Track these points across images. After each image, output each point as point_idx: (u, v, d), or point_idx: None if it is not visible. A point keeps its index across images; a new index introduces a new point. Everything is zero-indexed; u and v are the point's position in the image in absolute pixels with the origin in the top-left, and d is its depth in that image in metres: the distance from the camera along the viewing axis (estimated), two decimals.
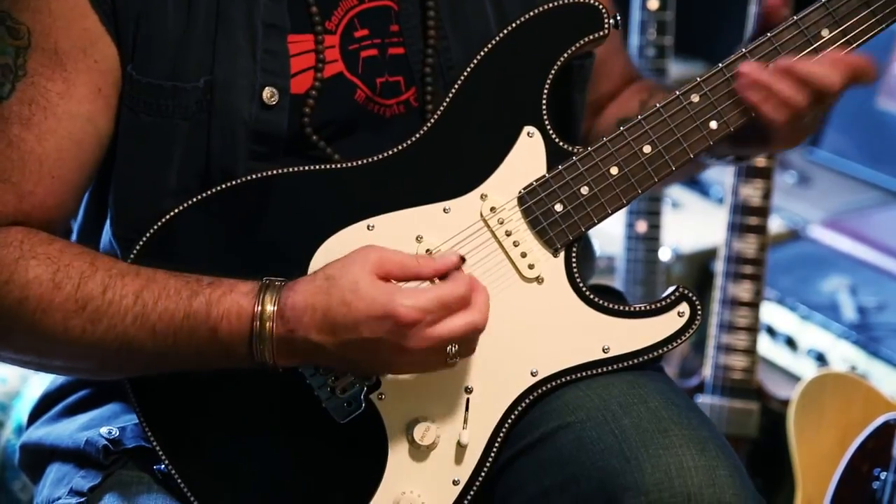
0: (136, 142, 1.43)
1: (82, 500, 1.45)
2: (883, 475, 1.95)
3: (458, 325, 1.31)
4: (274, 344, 1.32)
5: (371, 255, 1.33)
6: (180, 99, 1.41)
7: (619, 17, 1.47)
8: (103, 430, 1.47)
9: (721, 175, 2.77)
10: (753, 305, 2.34)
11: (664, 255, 2.72)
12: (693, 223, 3.03)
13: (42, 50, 1.38)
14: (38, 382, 1.93)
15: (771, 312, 2.74)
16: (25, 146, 1.38)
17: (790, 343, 2.72)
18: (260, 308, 1.32)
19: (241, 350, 1.33)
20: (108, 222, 1.49)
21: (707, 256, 2.86)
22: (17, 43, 1.38)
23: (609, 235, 2.77)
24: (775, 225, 2.96)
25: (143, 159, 1.43)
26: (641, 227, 2.61)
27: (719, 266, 2.37)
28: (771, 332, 2.75)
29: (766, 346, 2.72)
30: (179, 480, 1.40)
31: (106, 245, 1.49)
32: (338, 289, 1.31)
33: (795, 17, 1.45)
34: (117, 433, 1.47)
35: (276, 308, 1.32)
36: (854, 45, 1.46)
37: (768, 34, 1.45)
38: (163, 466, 1.41)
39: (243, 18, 1.42)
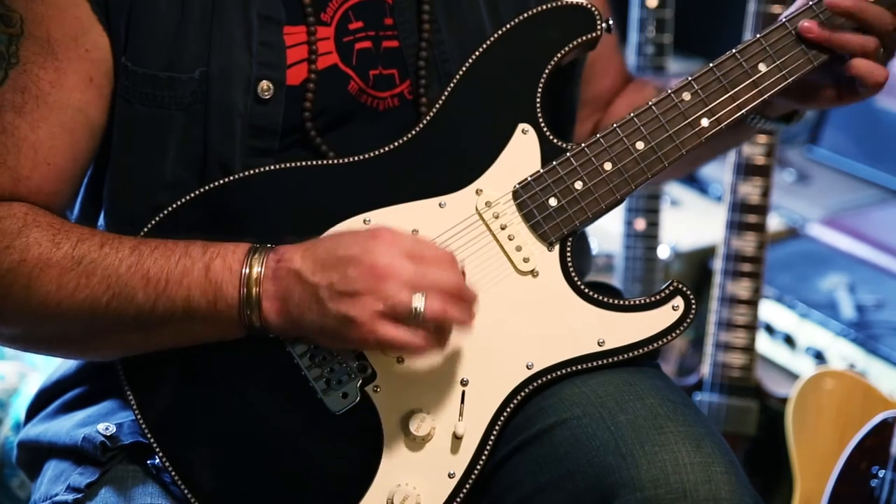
0: (132, 132, 1.43)
1: (79, 496, 1.45)
2: (881, 473, 1.95)
3: (429, 267, 1.31)
4: (262, 274, 1.33)
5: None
6: (176, 90, 1.42)
7: (611, 21, 1.49)
8: (100, 427, 1.47)
9: (720, 173, 2.77)
10: (752, 303, 2.34)
11: (663, 252, 2.73)
12: (692, 221, 3.04)
13: (34, 38, 1.39)
14: (37, 379, 1.93)
15: (770, 310, 2.74)
16: (20, 133, 1.39)
17: (789, 341, 2.73)
18: (254, 253, 1.35)
19: (229, 290, 1.33)
20: (102, 214, 1.49)
21: (706, 254, 2.87)
22: (9, 31, 1.39)
23: (608, 233, 2.78)
24: (774, 223, 2.96)
25: (138, 150, 1.44)
26: (640, 224, 2.61)
27: (718, 264, 2.37)
28: (769, 329, 2.75)
29: (764, 344, 2.73)
30: (174, 474, 1.40)
31: None
32: (334, 231, 1.36)
33: (784, 19, 1.48)
34: (114, 430, 1.47)
35: (272, 249, 1.34)
36: None
37: (757, 35, 1.48)
38: (157, 461, 1.41)
39: (238, 9, 1.43)
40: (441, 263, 1.32)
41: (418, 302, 1.29)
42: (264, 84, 1.44)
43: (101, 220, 1.49)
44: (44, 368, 1.94)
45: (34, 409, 1.62)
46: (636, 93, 1.74)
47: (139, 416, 1.41)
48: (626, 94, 1.75)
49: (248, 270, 1.34)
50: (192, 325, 1.36)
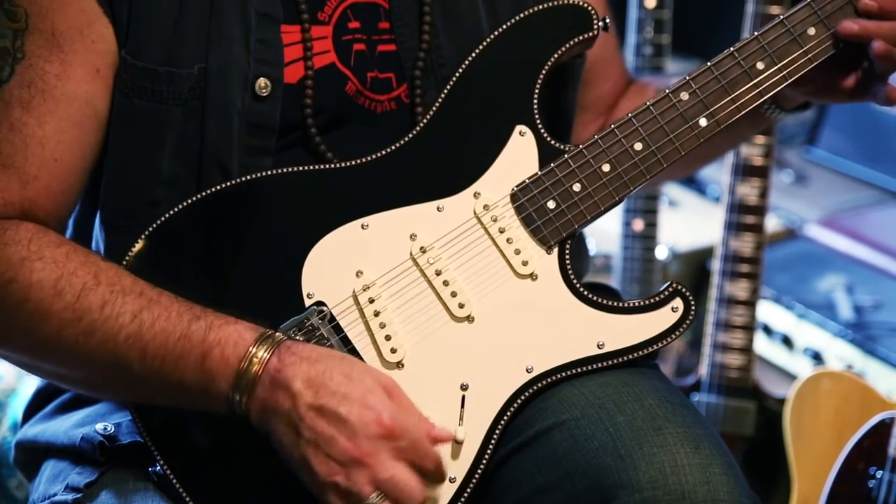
0: (129, 126, 1.43)
1: (78, 496, 1.45)
2: (879, 474, 1.95)
3: (405, 479, 1.28)
4: (259, 377, 1.30)
5: (392, 380, 1.33)
6: (175, 85, 1.42)
7: (608, 20, 1.48)
8: (99, 427, 1.47)
9: (718, 174, 2.77)
10: (750, 304, 2.34)
11: (661, 253, 2.73)
12: (690, 221, 3.04)
13: (39, 32, 1.38)
14: (35, 379, 1.93)
15: (767, 311, 2.74)
16: (27, 129, 1.38)
17: (787, 342, 2.73)
18: (255, 350, 1.31)
19: (221, 383, 1.31)
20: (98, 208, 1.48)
21: (704, 255, 2.87)
22: (14, 26, 1.38)
23: (606, 234, 2.78)
24: (772, 224, 2.96)
25: (135, 144, 1.43)
26: (638, 225, 2.62)
27: (716, 265, 2.37)
28: (767, 330, 2.75)
29: (762, 345, 2.73)
30: (174, 479, 1.39)
31: (96, 231, 1.49)
32: (350, 364, 1.31)
33: (782, 16, 1.47)
34: (113, 429, 1.47)
35: (276, 350, 1.31)
36: (841, 43, 1.48)
37: (755, 33, 1.47)
38: (157, 468, 1.41)
39: (237, 7, 1.43)
40: (422, 468, 1.30)
41: (373, 501, 1.28)
42: (262, 81, 1.44)
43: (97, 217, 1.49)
44: None
45: (32, 409, 1.62)
46: (639, 95, 1.73)
47: (137, 422, 1.40)
48: (629, 97, 1.74)
49: (245, 368, 1.30)
50: (183, 399, 1.35)
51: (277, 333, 1.33)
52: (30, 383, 1.96)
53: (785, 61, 1.47)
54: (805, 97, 1.58)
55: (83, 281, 1.34)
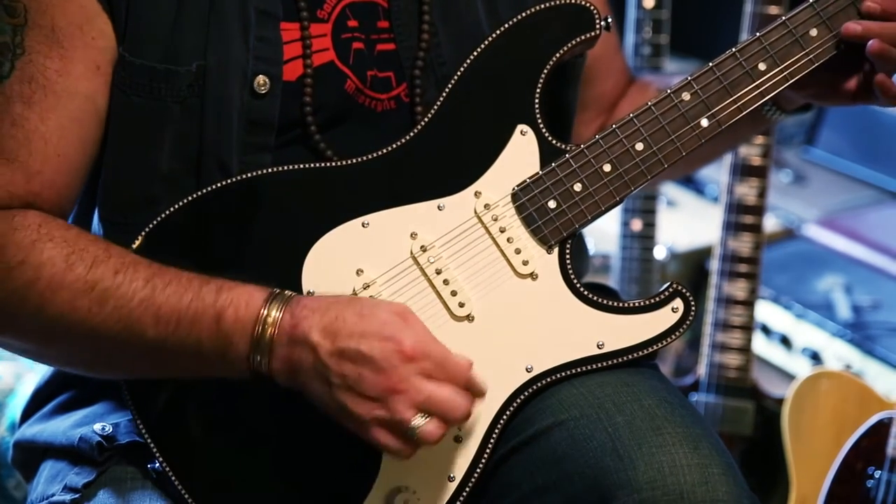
0: (127, 124, 1.42)
1: (76, 496, 1.45)
2: (877, 474, 1.96)
3: (443, 394, 1.29)
4: (275, 335, 1.31)
5: (403, 305, 1.34)
6: (173, 82, 1.42)
7: (609, 19, 1.48)
8: (97, 427, 1.47)
9: (717, 173, 2.77)
10: (748, 304, 2.34)
11: (659, 253, 2.73)
12: (688, 221, 3.04)
13: (39, 28, 1.38)
14: (33, 380, 1.93)
15: (766, 311, 2.75)
16: (29, 125, 1.38)
17: (785, 342, 2.73)
18: (268, 309, 1.32)
19: (239, 344, 1.32)
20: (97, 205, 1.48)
21: (702, 255, 2.87)
22: (14, 21, 1.38)
23: (604, 233, 2.78)
24: (770, 223, 2.96)
25: (133, 142, 1.43)
26: (636, 225, 2.62)
27: (714, 265, 2.37)
28: (766, 330, 2.75)
29: (760, 345, 2.73)
30: (173, 477, 1.39)
31: (95, 229, 1.49)
32: (359, 303, 1.32)
33: (784, 18, 1.47)
34: (111, 429, 1.46)
35: (287, 307, 1.32)
36: (842, 44, 1.49)
37: (757, 34, 1.48)
38: (157, 465, 1.41)
39: (236, 4, 1.43)
40: (456, 386, 1.31)
41: (418, 422, 1.29)
42: (261, 79, 1.44)
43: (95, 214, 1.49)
44: (40, 369, 1.94)
45: (30, 410, 1.62)
46: (639, 94, 1.73)
47: (138, 420, 1.40)
48: (630, 96, 1.75)
49: (260, 329, 1.32)
50: (201, 366, 1.36)
51: (286, 291, 1.34)
52: (28, 383, 1.96)
53: (787, 62, 1.48)
54: (808, 100, 1.59)
55: (94, 254, 1.35)
